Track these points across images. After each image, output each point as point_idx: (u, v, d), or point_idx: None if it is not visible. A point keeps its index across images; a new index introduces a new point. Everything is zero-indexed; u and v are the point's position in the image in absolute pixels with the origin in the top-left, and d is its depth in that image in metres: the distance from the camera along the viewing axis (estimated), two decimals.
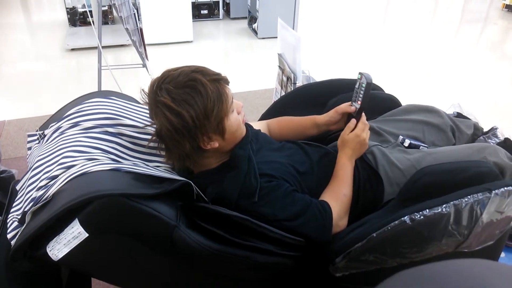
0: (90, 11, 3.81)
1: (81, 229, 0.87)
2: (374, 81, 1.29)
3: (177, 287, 1.17)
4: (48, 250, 0.89)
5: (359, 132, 1.24)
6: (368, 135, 1.27)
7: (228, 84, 1.09)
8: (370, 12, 6.34)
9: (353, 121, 1.27)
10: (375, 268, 1.07)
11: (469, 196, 1.01)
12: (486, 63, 4.26)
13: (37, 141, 1.25)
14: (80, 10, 4.72)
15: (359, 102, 1.26)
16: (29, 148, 1.26)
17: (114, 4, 2.74)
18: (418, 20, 5.88)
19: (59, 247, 0.89)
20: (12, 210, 1.05)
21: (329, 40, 4.90)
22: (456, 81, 3.75)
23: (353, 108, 1.29)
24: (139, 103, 1.36)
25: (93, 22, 2.95)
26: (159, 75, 1.06)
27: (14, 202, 1.08)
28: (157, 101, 1.01)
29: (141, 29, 2.74)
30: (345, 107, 1.31)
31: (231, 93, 1.09)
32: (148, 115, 1.28)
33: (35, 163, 1.09)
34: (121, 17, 2.75)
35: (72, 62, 4.03)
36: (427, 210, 1.00)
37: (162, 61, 4.04)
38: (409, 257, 1.05)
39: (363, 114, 1.27)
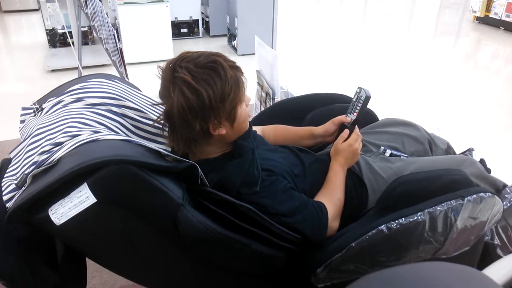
0: (70, 32, 3.81)
1: (89, 193, 0.83)
2: (350, 95, 1.33)
3: (171, 279, 1.15)
4: (50, 213, 0.85)
5: (352, 142, 1.28)
6: (361, 146, 1.30)
7: (242, 75, 1.10)
8: (346, 28, 6.48)
9: (346, 131, 1.31)
10: (355, 278, 1.09)
11: (443, 204, 1.04)
12: (460, 73, 4.39)
13: (32, 114, 1.21)
14: (60, 31, 4.70)
15: (355, 114, 1.31)
16: (22, 121, 1.23)
17: (94, 25, 2.77)
18: (394, 34, 6.03)
19: (63, 211, 0.84)
20: (6, 175, 1.00)
21: (307, 55, 4.98)
22: (431, 92, 3.85)
23: (348, 119, 1.33)
24: (140, 90, 1.36)
25: (73, 43, 2.96)
26: (176, 56, 1.06)
27: (6, 170, 1.03)
28: (176, 77, 1.00)
29: (121, 49, 2.76)
30: (341, 117, 1.35)
31: (245, 83, 1.11)
32: (149, 103, 1.28)
33: (35, 130, 1.05)
34: (100, 38, 2.77)
35: (52, 83, 4.00)
36: (403, 218, 1.02)
37: (143, 80, 4.04)
38: (388, 265, 1.07)
39: (356, 126, 1.31)
